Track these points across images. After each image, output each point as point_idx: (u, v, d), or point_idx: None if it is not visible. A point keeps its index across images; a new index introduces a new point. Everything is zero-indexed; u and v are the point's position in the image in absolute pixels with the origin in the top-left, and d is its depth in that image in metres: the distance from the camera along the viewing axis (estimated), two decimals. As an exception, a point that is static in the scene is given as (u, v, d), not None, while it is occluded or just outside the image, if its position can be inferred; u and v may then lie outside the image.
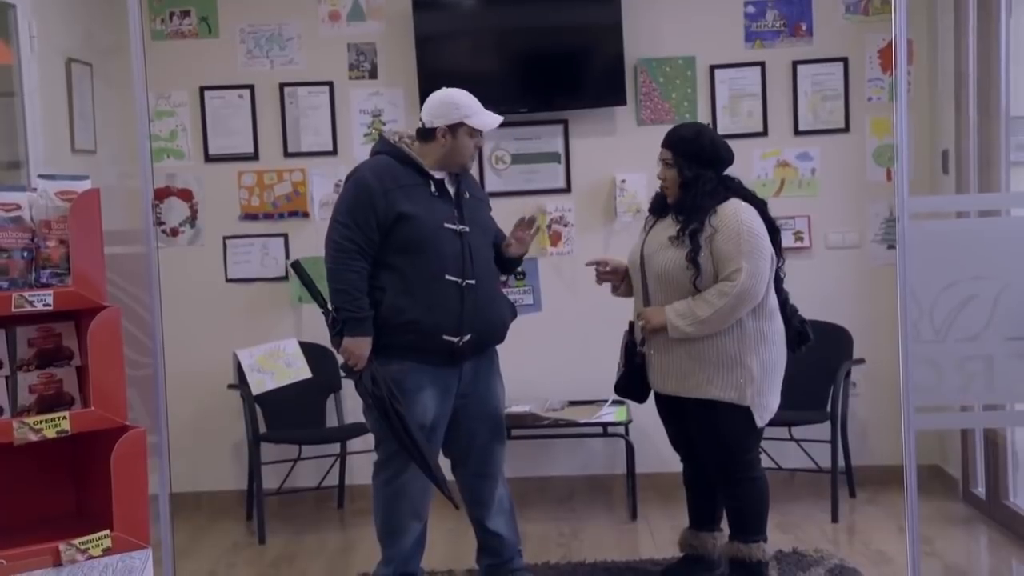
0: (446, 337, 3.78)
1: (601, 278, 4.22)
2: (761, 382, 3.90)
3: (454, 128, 3.85)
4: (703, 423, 3.97)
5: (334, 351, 3.91)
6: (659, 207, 4.10)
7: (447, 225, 3.80)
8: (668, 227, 3.98)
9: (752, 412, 3.90)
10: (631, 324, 4.17)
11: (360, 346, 3.79)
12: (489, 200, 4.19)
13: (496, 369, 4.06)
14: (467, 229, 3.84)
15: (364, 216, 3.78)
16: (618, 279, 4.19)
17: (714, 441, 3.98)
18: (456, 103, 3.89)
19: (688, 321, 3.84)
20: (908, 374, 3.54)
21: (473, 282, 3.80)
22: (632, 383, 4.13)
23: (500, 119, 3.96)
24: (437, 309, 3.77)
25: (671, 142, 4.01)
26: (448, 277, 3.77)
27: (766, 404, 3.94)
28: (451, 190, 3.90)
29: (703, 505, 4.22)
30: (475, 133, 3.89)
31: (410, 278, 3.78)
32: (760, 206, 3.98)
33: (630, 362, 4.11)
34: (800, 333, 4.10)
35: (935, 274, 3.53)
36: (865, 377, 5.49)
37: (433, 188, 3.84)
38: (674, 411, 4.07)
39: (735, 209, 3.90)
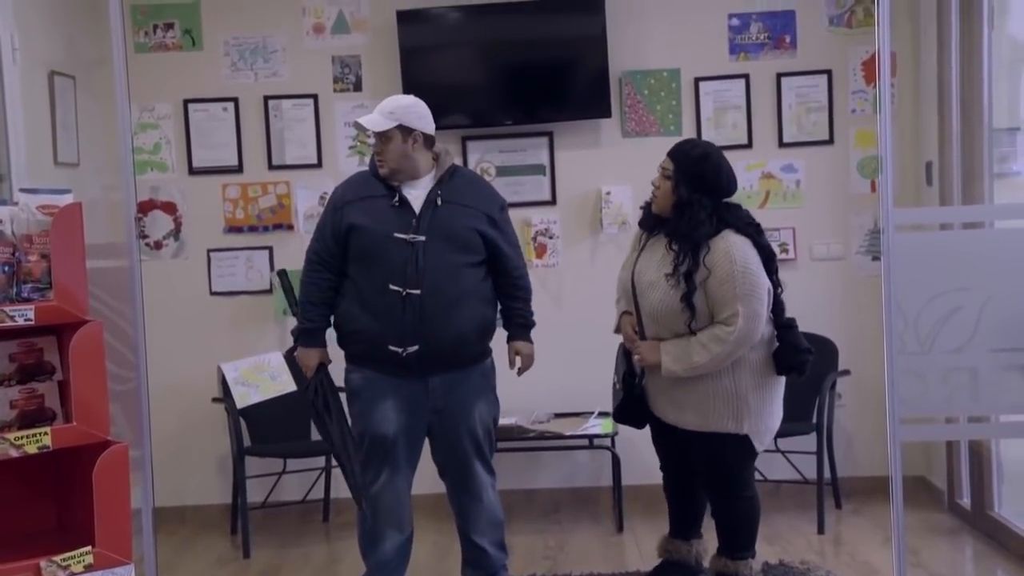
0: (391, 347, 3.77)
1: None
2: (759, 410, 3.88)
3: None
4: (701, 452, 3.96)
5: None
6: (649, 222, 4.02)
7: (397, 235, 3.77)
8: (660, 253, 3.89)
9: (751, 440, 3.90)
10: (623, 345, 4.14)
11: (308, 356, 3.94)
12: (492, 206, 3.97)
13: (478, 389, 3.96)
14: (422, 239, 3.78)
15: (325, 228, 3.93)
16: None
17: (712, 468, 3.98)
18: None
19: (683, 365, 3.81)
20: (893, 385, 3.55)
21: (417, 292, 3.73)
22: (632, 412, 4.11)
23: (363, 116, 3.91)
24: (382, 319, 3.78)
25: (675, 154, 3.91)
26: (391, 287, 3.75)
27: (765, 429, 3.94)
28: (418, 199, 3.84)
29: (684, 514, 4.23)
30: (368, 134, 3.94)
31: (361, 288, 3.83)
32: (755, 233, 3.88)
33: (629, 391, 4.06)
34: (795, 363, 3.92)
35: (920, 286, 3.54)
36: (850, 388, 5.49)
37: (396, 199, 3.84)
38: (671, 435, 4.05)
39: (728, 247, 3.78)
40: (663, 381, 3.92)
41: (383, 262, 3.78)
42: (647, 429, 4.20)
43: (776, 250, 5.42)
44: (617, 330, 4.15)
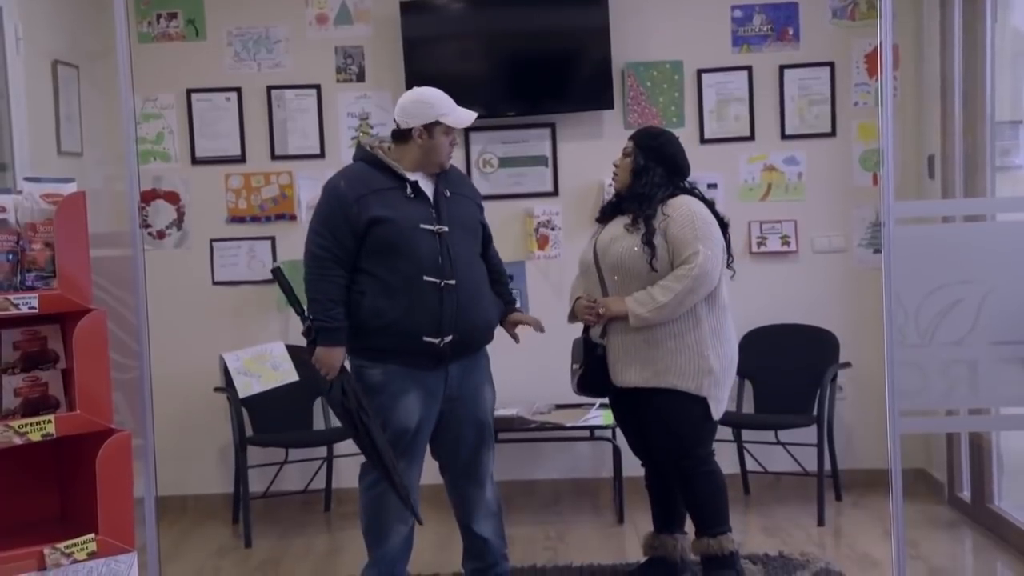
0: (427, 338, 3.76)
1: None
2: (718, 374, 3.98)
3: (430, 128, 3.82)
4: (659, 412, 4.01)
5: (308, 359, 3.85)
6: (607, 214, 4.20)
7: (423, 226, 3.77)
8: (620, 222, 4.07)
9: (708, 404, 3.96)
10: (585, 328, 4.20)
11: (331, 356, 3.78)
12: (479, 197, 4.11)
13: (485, 373, 4.03)
14: (446, 229, 3.80)
15: (337, 224, 3.78)
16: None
17: (668, 431, 4.02)
18: (430, 102, 3.86)
19: (648, 307, 3.90)
20: (893, 378, 3.55)
21: (453, 282, 3.76)
22: (594, 378, 4.15)
23: (474, 115, 3.91)
24: (416, 311, 3.75)
25: (635, 135, 4.19)
26: (426, 278, 3.74)
27: (722, 397, 4.03)
28: (429, 190, 3.86)
29: (666, 508, 4.26)
30: (450, 131, 3.86)
31: (389, 281, 3.76)
32: (708, 205, 4.10)
33: (590, 356, 4.14)
34: None
35: (920, 278, 3.55)
36: (851, 381, 5.50)
37: (409, 190, 3.82)
38: (632, 409, 4.11)
39: (686, 200, 4.03)
40: (624, 342, 4.00)
41: (410, 254, 3.75)
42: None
43: (778, 243, 5.56)
44: (572, 318, 4.21)
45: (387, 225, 3.76)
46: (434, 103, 3.85)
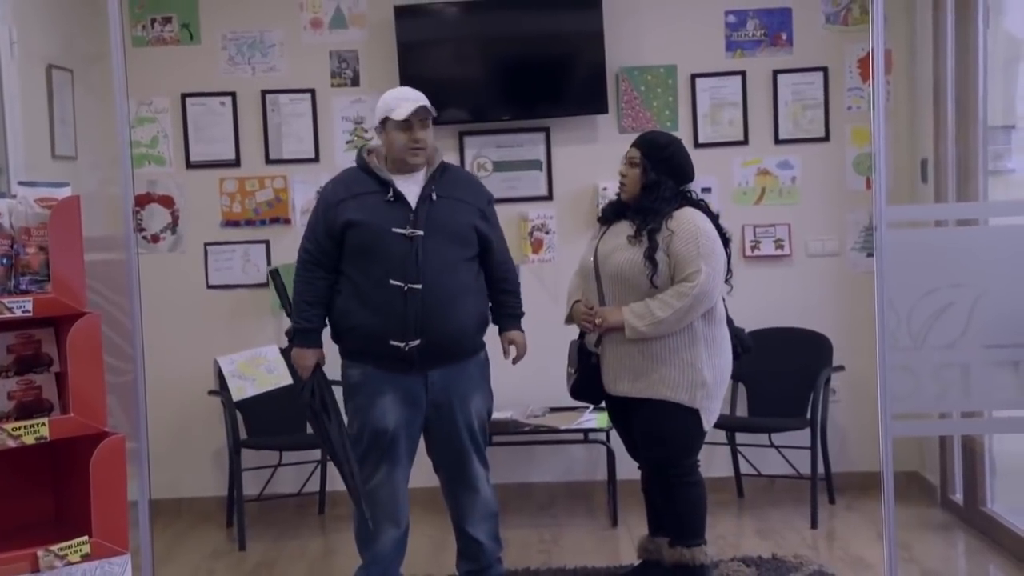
0: (392, 342, 3.77)
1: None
2: (712, 387, 3.98)
3: (383, 125, 3.87)
4: (650, 421, 4.01)
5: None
6: (609, 215, 4.17)
7: (396, 230, 3.77)
8: (623, 230, 4.04)
9: (700, 415, 3.97)
10: (581, 333, 4.22)
11: (303, 356, 3.90)
12: (485, 202, 4.00)
13: (475, 382, 3.97)
14: (420, 233, 3.78)
15: (319, 226, 3.89)
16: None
17: (658, 441, 4.02)
18: (383, 100, 3.89)
19: (646, 322, 3.89)
20: (885, 381, 3.56)
21: (419, 286, 3.74)
22: (588, 385, 4.17)
23: (414, 105, 3.80)
24: (381, 314, 3.77)
25: (642, 143, 4.10)
26: (392, 282, 3.75)
27: (714, 409, 4.03)
28: (413, 194, 3.84)
29: (660, 511, 4.25)
30: (403, 126, 3.81)
31: (359, 284, 3.82)
32: (713, 218, 4.07)
33: (584, 363, 4.15)
34: (744, 346, 4.20)
35: (913, 282, 3.56)
36: (845, 384, 5.52)
37: (390, 194, 3.83)
38: (627, 414, 4.12)
39: (691, 215, 3.99)
40: (618, 352, 4.00)
41: (381, 257, 3.78)
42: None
43: (771, 246, 5.58)
44: (568, 320, 4.22)
45: (360, 229, 3.80)
46: (385, 101, 3.88)
